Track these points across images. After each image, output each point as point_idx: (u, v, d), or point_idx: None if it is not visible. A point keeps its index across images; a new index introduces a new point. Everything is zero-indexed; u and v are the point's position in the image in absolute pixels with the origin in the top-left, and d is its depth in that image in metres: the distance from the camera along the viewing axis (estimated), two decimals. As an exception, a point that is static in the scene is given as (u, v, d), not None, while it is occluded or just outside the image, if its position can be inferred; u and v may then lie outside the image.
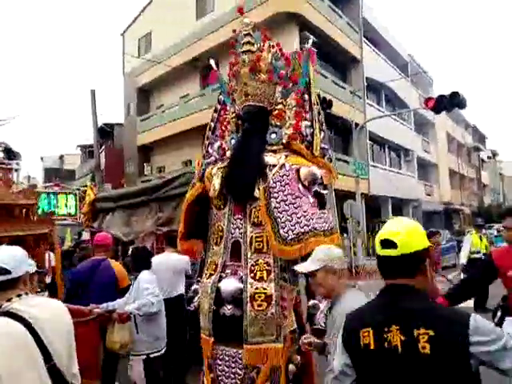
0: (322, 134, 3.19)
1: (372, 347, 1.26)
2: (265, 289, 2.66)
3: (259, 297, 2.65)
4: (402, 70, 23.62)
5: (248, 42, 3.07)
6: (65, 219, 7.77)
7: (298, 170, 2.81)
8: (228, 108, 3.34)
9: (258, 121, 3.06)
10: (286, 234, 2.64)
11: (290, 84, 3.15)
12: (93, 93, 15.22)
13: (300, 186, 2.77)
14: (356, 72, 19.17)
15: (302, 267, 2.22)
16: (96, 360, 3.33)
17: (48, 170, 23.69)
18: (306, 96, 3.18)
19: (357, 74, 19.15)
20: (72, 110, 71.65)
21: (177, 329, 3.86)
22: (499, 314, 2.56)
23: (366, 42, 19.66)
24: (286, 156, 2.92)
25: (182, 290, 4.20)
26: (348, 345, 1.36)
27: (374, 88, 20.98)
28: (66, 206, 8.15)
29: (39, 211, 7.32)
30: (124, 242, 5.20)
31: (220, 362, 2.72)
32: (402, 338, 1.22)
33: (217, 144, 3.33)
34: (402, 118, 23.58)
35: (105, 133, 20.15)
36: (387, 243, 1.32)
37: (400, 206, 22.63)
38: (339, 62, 18.67)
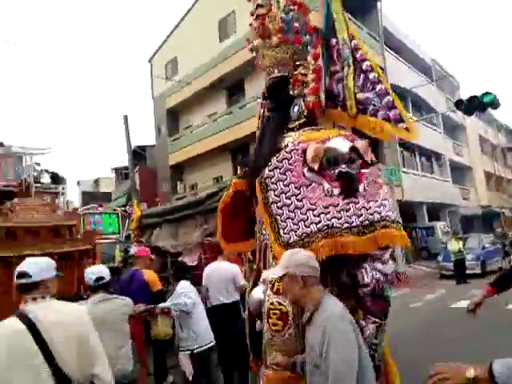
0: (362, 77, 2.45)
1: None
2: (281, 304, 2.09)
3: (274, 314, 2.11)
4: (427, 74, 23.34)
5: (259, 6, 2.60)
6: (110, 238, 8.18)
7: (305, 151, 2.17)
8: None
9: (279, 95, 2.53)
10: (288, 236, 2.03)
11: (306, 37, 2.55)
12: (125, 118, 15.91)
13: (306, 170, 2.12)
14: (380, 80, 19.09)
15: (270, 272, 1.97)
16: (142, 349, 3.81)
17: (85, 193, 24.83)
18: (334, 40, 2.52)
19: (381, 82, 19.06)
20: (104, 134, 75.10)
21: (230, 336, 3.93)
22: None
23: (388, 50, 19.63)
24: (304, 131, 2.33)
25: (235, 297, 4.29)
26: None
27: (400, 94, 20.80)
28: (110, 224, 8.60)
29: (84, 230, 7.71)
30: (172, 253, 5.43)
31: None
32: None
33: None
34: (431, 123, 23.17)
35: (137, 155, 20.92)
36: None
37: (436, 211, 22.02)
38: (363, 71, 18.71)
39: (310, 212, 2.01)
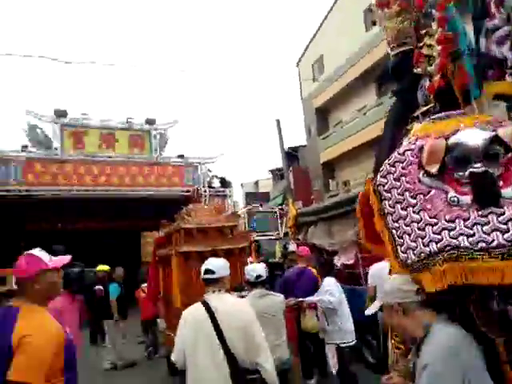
0: None
1: None
2: None
3: (397, 336, 1.94)
4: None
5: None
6: (271, 235, 8.90)
7: (422, 149, 1.74)
8: None
9: (403, 75, 2.15)
10: (405, 255, 1.66)
11: None
12: (278, 122, 16.91)
13: (421, 174, 1.69)
14: None
15: (372, 307, 1.89)
16: (295, 340, 4.23)
17: (247, 194, 27.80)
18: None
19: None
20: (260, 139, 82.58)
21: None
22: None
23: None
24: (429, 122, 1.88)
25: None
26: None
27: None
28: (269, 223, 9.34)
29: (242, 230, 8.58)
30: (328, 252, 5.53)
31: None
32: None
33: None
34: None
35: (290, 156, 21.91)
36: None
37: None
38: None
39: (429, 227, 1.59)
